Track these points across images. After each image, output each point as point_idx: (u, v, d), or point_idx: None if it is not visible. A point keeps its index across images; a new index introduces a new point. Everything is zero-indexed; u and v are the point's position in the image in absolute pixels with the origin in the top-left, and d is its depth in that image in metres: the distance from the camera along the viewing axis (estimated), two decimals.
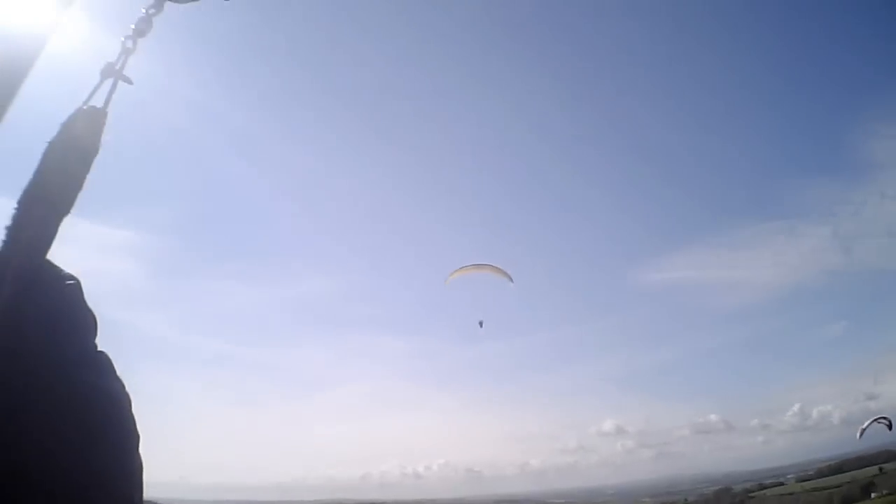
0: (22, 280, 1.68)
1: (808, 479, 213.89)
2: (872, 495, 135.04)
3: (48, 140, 1.89)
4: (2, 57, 1.86)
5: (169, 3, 2.07)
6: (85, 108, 1.96)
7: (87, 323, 1.88)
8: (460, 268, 47.35)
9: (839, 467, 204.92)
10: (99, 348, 1.88)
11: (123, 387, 1.87)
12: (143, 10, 2.05)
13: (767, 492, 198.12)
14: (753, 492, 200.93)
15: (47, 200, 1.82)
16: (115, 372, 1.87)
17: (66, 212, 1.86)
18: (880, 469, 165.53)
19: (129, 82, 2.04)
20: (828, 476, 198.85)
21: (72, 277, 1.87)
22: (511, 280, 47.80)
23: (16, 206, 1.80)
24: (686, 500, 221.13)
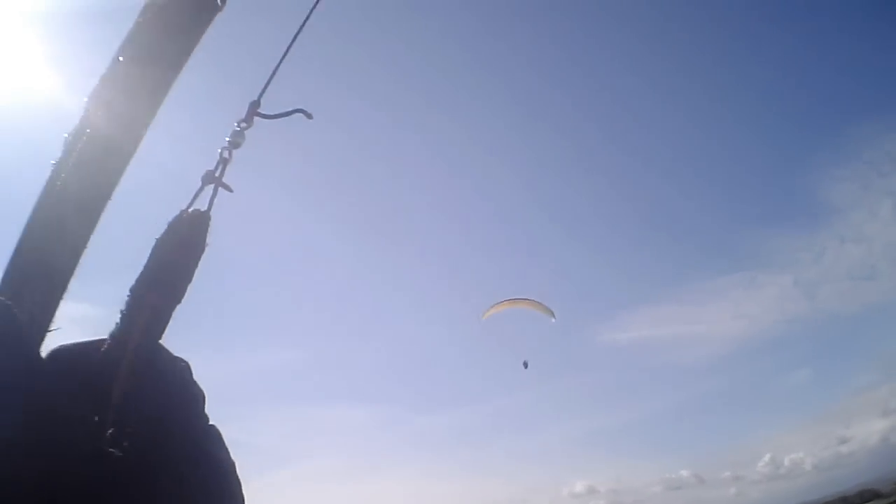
0: (140, 360, 1.80)
1: None
2: None
3: (156, 237, 2.00)
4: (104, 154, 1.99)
5: (258, 118, 2.23)
6: (190, 210, 2.08)
7: (199, 399, 2.02)
8: (497, 303, 44.95)
9: None
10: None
11: (230, 455, 2.00)
12: (236, 124, 2.20)
13: None
14: None
15: (159, 290, 1.93)
16: (225, 442, 2.00)
17: (178, 301, 1.98)
18: None
19: (230, 190, 2.17)
20: None
21: (183, 360, 2.02)
22: (553, 316, 45.48)
23: (128, 293, 1.92)
24: None
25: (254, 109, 2.19)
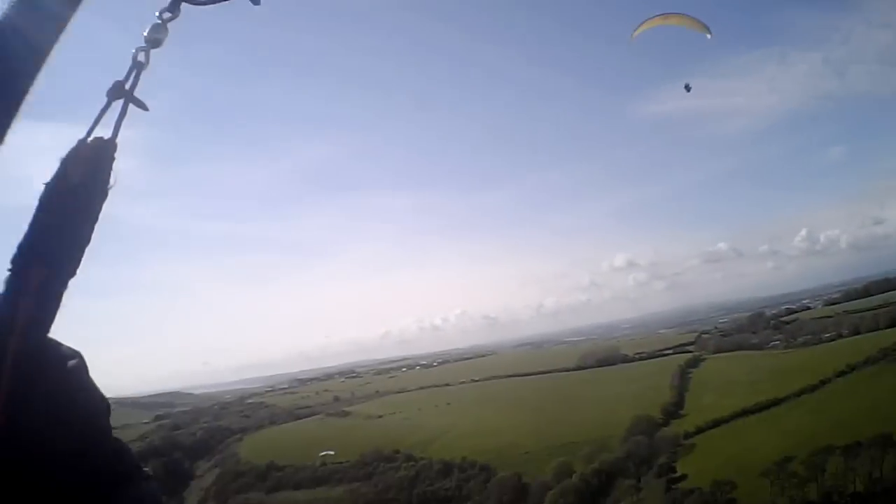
0: (21, 367, 1.35)
1: (836, 303, 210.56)
2: None
3: (45, 181, 1.53)
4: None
5: (185, 3, 1.68)
6: (89, 139, 1.60)
7: (100, 411, 1.59)
8: (648, 19, 42.93)
9: (866, 290, 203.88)
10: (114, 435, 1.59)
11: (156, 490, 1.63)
12: (157, 15, 1.66)
13: (799, 315, 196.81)
14: (782, 317, 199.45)
15: (46, 261, 1.49)
16: (138, 464, 1.61)
17: (72, 273, 1.54)
18: None
19: (144, 108, 1.68)
20: (856, 299, 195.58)
21: (74, 355, 1.58)
22: (709, 32, 43.34)
23: (8, 267, 1.48)
24: (704, 330, 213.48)
25: None
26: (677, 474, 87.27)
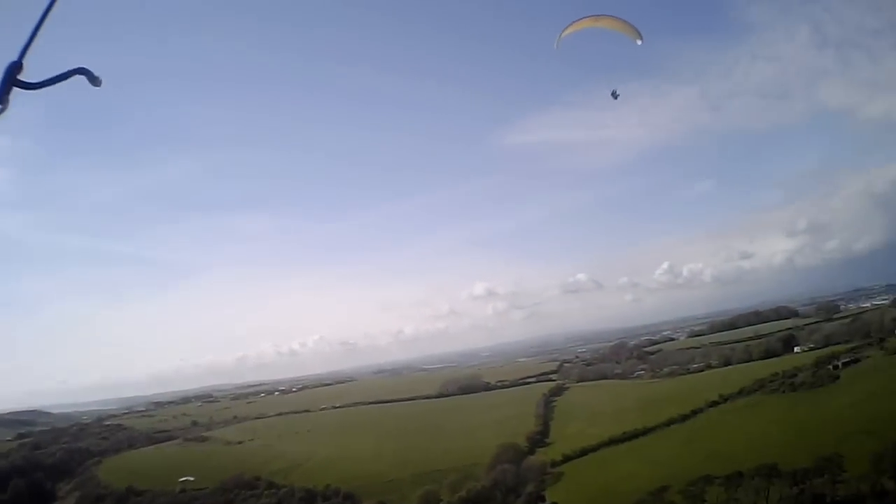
0: None
1: (701, 335, 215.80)
2: (796, 349, 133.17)
3: None
4: None
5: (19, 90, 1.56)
6: None
7: None
8: (577, 20, 39.13)
9: (732, 323, 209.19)
10: None
11: None
12: None
13: (663, 346, 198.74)
14: (645, 347, 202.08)
15: None
16: None
17: None
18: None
19: None
20: (723, 331, 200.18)
21: None
22: (640, 38, 40.11)
23: None
24: (566, 359, 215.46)
25: (12, 77, 1.47)
26: (547, 503, 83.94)
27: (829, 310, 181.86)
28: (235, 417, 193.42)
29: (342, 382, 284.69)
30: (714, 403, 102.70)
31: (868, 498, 61.82)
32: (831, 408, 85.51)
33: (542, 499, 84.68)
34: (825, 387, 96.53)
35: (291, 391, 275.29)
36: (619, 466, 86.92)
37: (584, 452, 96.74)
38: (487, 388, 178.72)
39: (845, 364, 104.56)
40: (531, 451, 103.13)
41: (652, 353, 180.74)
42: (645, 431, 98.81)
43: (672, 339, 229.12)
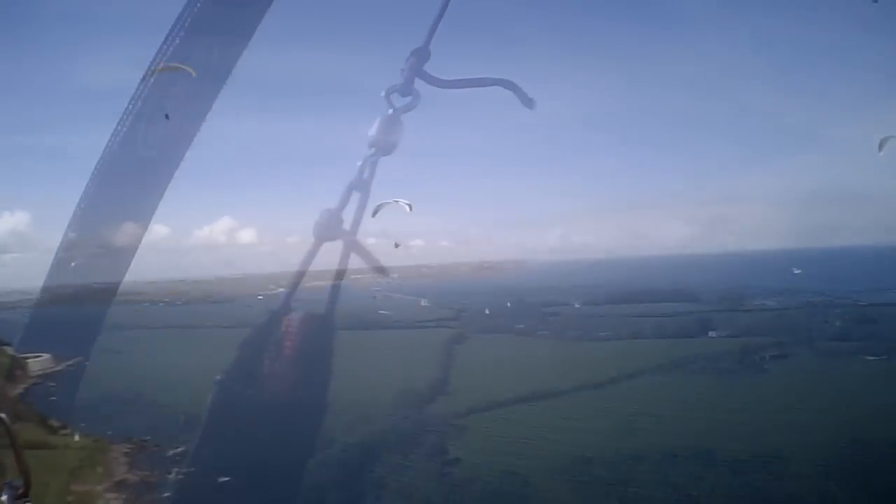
0: None
1: (597, 304, 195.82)
2: (711, 333, 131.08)
3: None
4: None
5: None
6: None
7: None
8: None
9: (630, 296, 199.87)
10: None
11: None
12: None
13: (559, 310, 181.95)
14: (543, 308, 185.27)
15: None
16: None
17: None
18: None
19: None
20: (622, 304, 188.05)
21: None
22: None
23: None
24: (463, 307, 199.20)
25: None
26: (450, 456, 76.92)
27: (732, 300, 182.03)
28: None
29: None
30: (631, 376, 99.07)
31: (808, 496, 58.18)
32: (764, 399, 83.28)
33: (445, 451, 77.70)
34: (752, 377, 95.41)
35: None
36: (529, 427, 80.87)
37: (488, 407, 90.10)
38: (384, 325, 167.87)
39: (773, 357, 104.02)
40: (432, 400, 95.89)
41: (551, 315, 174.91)
42: (557, 394, 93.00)
43: (567, 305, 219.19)
